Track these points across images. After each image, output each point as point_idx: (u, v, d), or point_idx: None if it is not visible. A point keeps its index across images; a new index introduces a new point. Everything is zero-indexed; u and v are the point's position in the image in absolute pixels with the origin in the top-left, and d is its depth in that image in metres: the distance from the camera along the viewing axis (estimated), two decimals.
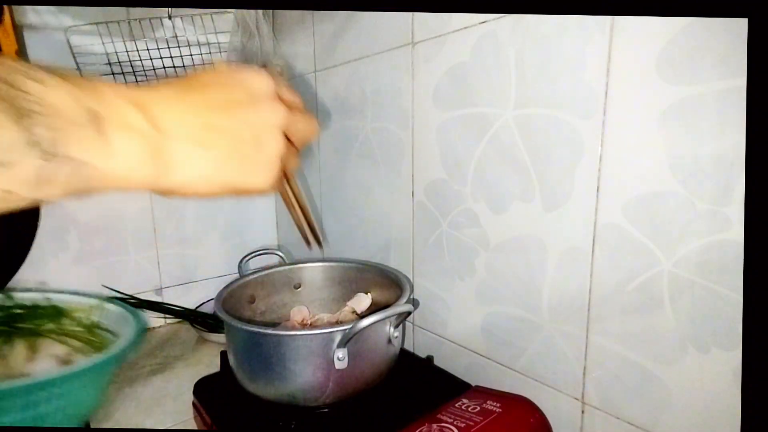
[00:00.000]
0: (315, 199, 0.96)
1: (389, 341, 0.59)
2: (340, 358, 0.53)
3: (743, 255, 0.38)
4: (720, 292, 0.41)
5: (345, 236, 0.89)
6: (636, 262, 0.46)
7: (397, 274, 0.70)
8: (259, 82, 0.29)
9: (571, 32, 0.48)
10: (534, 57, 0.52)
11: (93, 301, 0.67)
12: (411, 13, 0.66)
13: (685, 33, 0.40)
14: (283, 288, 0.78)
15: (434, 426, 0.50)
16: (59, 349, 0.61)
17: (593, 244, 0.49)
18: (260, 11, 0.83)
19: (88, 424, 0.71)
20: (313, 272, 0.79)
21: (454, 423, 0.50)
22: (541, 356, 0.57)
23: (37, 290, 0.67)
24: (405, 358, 0.68)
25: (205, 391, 0.67)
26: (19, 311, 0.65)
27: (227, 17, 0.91)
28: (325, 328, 0.56)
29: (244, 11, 0.83)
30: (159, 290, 0.99)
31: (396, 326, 0.59)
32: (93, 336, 0.63)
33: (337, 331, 0.53)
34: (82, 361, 0.55)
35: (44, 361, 0.60)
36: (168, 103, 0.25)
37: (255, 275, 0.75)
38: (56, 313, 0.66)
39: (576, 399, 0.54)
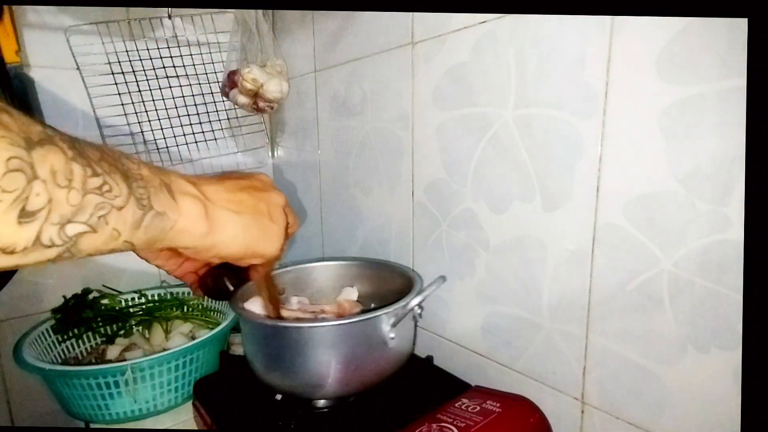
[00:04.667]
0: (315, 198, 0.96)
1: (388, 341, 0.59)
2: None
3: (743, 255, 0.38)
4: (720, 292, 0.41)
5: (345, 236, 0.89)
6: (636, 262, 0.46)
7: (402, 267, 0.70)
8: (265, 177, 0.44)
9: (571, 32, 0.48)
10: (534, 57, 0.52)
11: None
12: (411, 13, 0.66)
13: (685, 33, 0.40)
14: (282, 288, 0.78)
15: (434, 426, 0.50)
16: (185, 328, 0.85)
17: (593, 244, 0.49)
18: (260, 11, 0.83)
19: (87, 424, 0.71)
20: (314, 272, 0.79)
21: (454, 423, 0.50)
22: (541, 356, 0.57)
23: (160, 288, 0.94)
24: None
25: (205, 391, 0.67)
26: (152, 304, 0.89)
27: (227, 17, 0.91)
28: (375, 312, 0.55)
29: (244, 11, 0.83)
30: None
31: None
32: (207, 316, 0.88)
33: (389, 312, 0.55)
34: (203, 335, 0.75)
35: (177, 338, 0.82)
36: (210, 183, 0.38)
37: None
38: (179, 302, 0.90)
39: (576, 399, 0.54)
